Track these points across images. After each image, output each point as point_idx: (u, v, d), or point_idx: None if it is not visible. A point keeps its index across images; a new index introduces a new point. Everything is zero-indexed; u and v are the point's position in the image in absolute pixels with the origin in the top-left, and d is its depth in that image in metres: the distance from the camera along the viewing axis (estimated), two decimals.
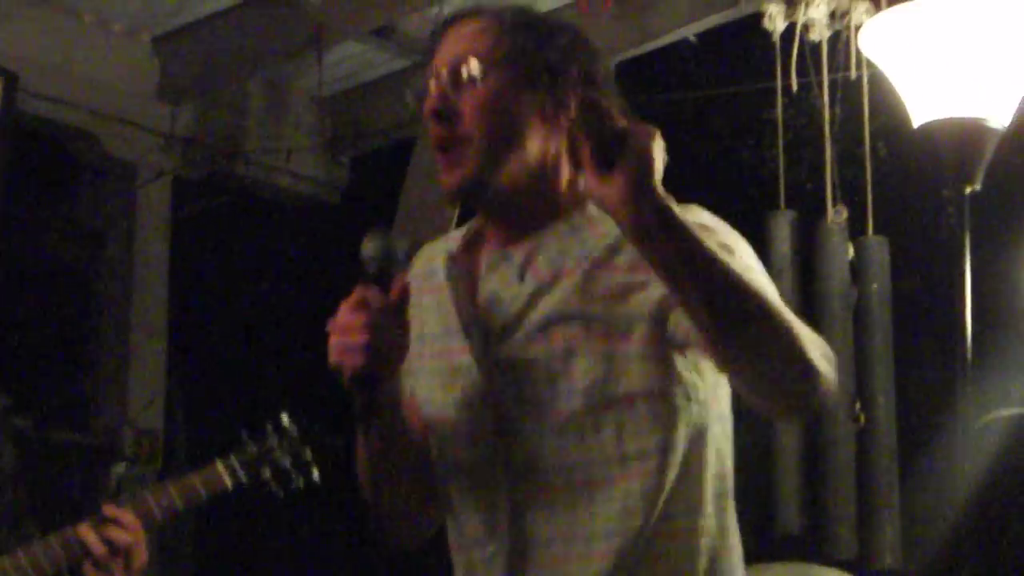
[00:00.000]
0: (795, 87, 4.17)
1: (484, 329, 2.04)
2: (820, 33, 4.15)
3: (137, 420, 5.06)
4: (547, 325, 1.99)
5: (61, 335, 5.32)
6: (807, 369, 1.81)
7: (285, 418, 2.97)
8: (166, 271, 5.27)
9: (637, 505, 1.94)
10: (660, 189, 1.74)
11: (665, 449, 1.95)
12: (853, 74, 4.11)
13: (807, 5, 4.13)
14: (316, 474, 2.96)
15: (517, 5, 2.11)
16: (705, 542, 1.98)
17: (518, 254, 2.05)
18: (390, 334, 1.89)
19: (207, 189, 5.57)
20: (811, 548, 3.99)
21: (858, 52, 4.04)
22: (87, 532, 2.75)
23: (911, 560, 4.01)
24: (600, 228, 2.01)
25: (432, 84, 2.03)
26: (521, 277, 2.03)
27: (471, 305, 2.06)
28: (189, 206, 5.58)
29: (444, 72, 2.02)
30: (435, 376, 2.07)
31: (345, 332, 1.88)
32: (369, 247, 1.93)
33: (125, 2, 5.02)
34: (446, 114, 2.01)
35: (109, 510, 2.77)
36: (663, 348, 1.95)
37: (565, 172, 2.07)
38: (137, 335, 5.17)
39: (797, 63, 4.19)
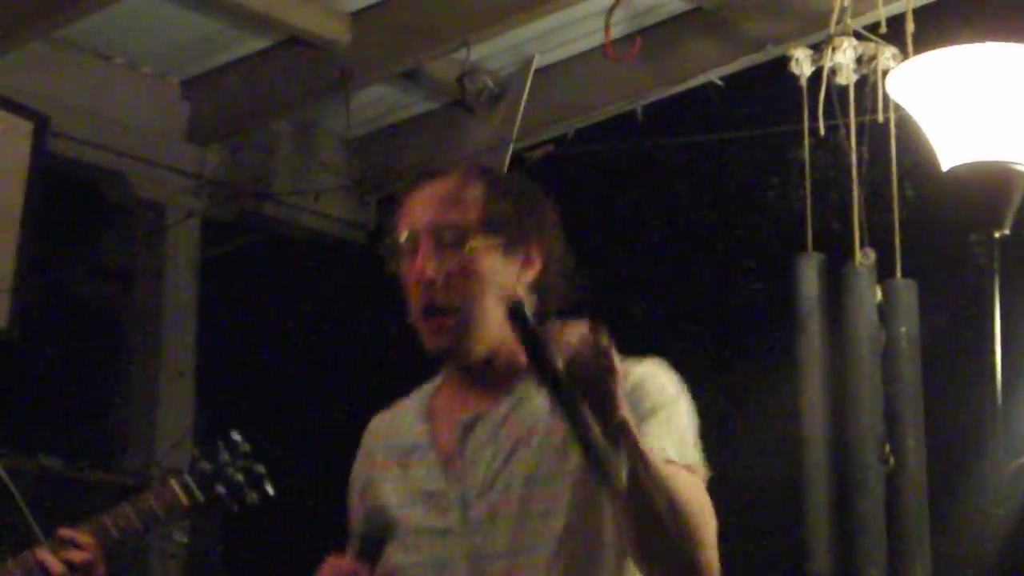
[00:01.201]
0: (822, 130, 4.19)
1: (461, 492, 2.10)
2: (847, 77, 4.17)
3: (165, 459, 5.07)
4: (526, 483, 2.06)
5: (90, 374, 5.35)
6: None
7: (236, 435, 3.02)
8: (194, 311, 5.30)
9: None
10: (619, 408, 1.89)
11: None
12: (880, 118, 4.12)
13: (833, 50, 4.15)
14: (270, 488, 3.00)
15: (480, 166, 2.25)
16: None
17: (492, 415, 2.12)
18: None
19: (235, 230, 5.61)
20: None
21: (885, 96, 4.07)
22: (45, 555, 2.83)
23: None
24: None
25: (415, 249, 2.11)
26: (496, 438, 2.10)
27: (445, 469, 2.13)
28: (217, 247, 5.61)
29: (427, 238, 2.09)
30: (414, 535, 2.12)
31: None
32: (365, 527, 2.08)
33: (154, 45, 5.07)
34: (435, 282, 2.09)
35: (65, 532, 2.85)
36: None
37: None
38: (166, 374, 5.19)
39: (824, 106, 4.21)
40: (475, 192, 2.13)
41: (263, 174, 5.48)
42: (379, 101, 5.39)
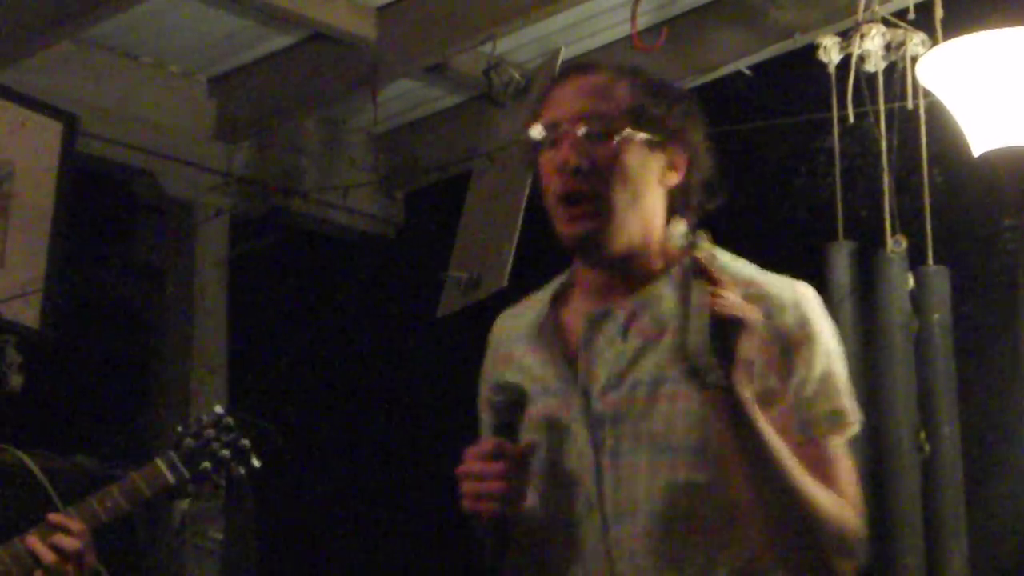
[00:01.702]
0: (851, 118, 4.18)
1: (584, 386, 2.06)
2: (876, 64, 4.15)
3: None
4: (651, 383, 2.02)
5: (122, 372, 5.37)
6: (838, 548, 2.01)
7: (219, 409, 3.05)
8: (225, 308, 5.32)
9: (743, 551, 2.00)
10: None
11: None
12: (910, 104, 4.11)
13: (862, 37, 4.14)
14: (256, 461, 3.00)
15: (629, 64, 2.17)
16: None
17: (621, 312, 2.08)
18: (519, 481, 2.00)
19: (264, 227, 5.62)
20: None
21: (914, 82, 4.05)
22: (35, 542, 2.82)
23: None
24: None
25: (560, 138, 2.07)
26: (624, 335, 2.06)
27: (569, 363, 2.10)
28: (247, 243, 5.62)
29: (574, 127, 2.06)
30: (537, 432, 2.10)
31: (479, 480, 1.99)
32: (498, 398, 2.06)
33: (181, 44, 5.09)
34: (582, 169, 2.05)
35: (54, 518, 2.85)
36: None
37: (660, 228, 2.10)
38: (198, 371, 5.21)
39: (852, 93, 4.20)
40: (624, 86, 2.10)
41: (291, 171, 5.50)
42: (406, 96, 5.39)
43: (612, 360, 2.06)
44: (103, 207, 5.36)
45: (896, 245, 4.08)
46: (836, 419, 2.07)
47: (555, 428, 2.08)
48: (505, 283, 4.60)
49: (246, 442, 3.01)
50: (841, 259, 4.14)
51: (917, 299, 4.04)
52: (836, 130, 4.23)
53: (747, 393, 1.92)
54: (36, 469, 4.00)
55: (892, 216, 4.13)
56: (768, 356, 2.01)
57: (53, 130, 4.82)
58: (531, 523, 2.08)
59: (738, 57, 4.71)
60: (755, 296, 2.04)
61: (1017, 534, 3.90)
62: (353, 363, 5.67)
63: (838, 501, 2.02)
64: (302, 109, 5.29)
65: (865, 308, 4.09)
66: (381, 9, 4.85)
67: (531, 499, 2.07)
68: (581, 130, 2.06)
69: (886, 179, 4.14)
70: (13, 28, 4.69)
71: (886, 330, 4.02)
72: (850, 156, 4.45)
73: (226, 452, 2.98)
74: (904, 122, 4.20)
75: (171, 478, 2.93)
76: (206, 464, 2.95)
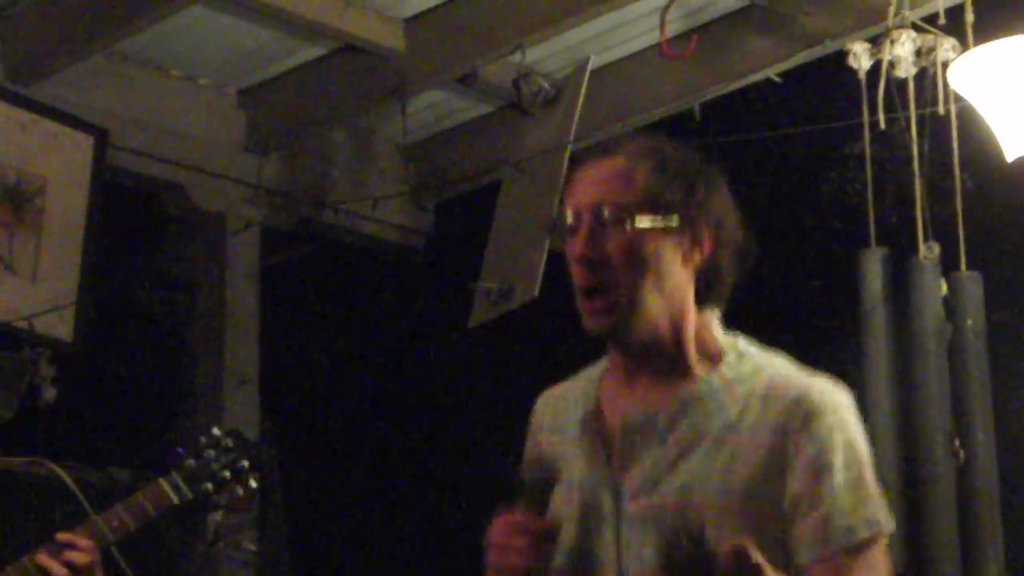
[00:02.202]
0: (883, 124, 4.16)
1: (618, 486, 2.08)
2: (906, 70, 4.14)
3: None
4: (686, 491, 2.03)
5: (154, 384, 5.38)
6: None
7: (217, 431, 3.11)
8: (256, 320, 5.33)
9: None
10: None
11: None
12: (941, 109, 4.09)
13: (892, 43, 4.12)
14: (253, 482, 3.09)
15: (651, 142, 2.14)
16: None
17: (661, 416, 2.07)
18: (541, 559, 2.02)
19: (295, 238, 5.64)
20: None
21: (945, 87, 4.03)
22: (46, 559, 2.89)
23: None
24: (736, 391, 2.06)
25: (577, 227, 2.07)
26: (663, 441, 2.07)
27: (608, 458, 2.11)
28: (278, 255, 5.64)
29: (589, 216, 2.06)
30: (569, 518, 2.12)
31: (504, 553, 2.02)
32: (528, 476, 2.09)
33: (211, 57, 5.11)
34: (594, 261, 2.05)
35: (63, 536, 2.92)
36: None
37: (692, 310, 2.10)
38: (229, 383, 5.23)
39: (883, 99, 4.18)
40: (641, 170, 2.08)
41: (321, 182, 5.51)
42: (435, 106, 5.40)
43: (650, 466, 2.07)
44: (134, 220, 5.38)
45: (928, 251, 4.06)
46: (870, 527, 2.05)
47: (586, 517, 2.10)
48: (536, 293, 4.60)
49: (245, 463, 3.09)
50: (873, 266, 4.12)
51: (950, 305, 4.02)
52: (867, 136, 4.21)
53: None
54: (70, 480, 4.03)
55: (924, 222, 4.11)
56: (800, 463, 2.00)
57: (84, 144, 4.85)
58: None
59: (768, 64, 4.69)
60: (784, 397, 2.03)
61: None
62: (384, 374, 5.67)
63: None
64: (331, 120, 5.30)
65: (898, 315, 4.07)
66: (409, 20, 4.86)
67: None
68: (592, 220, 2.06)
69: (918, 185, 4.12)
70: (44, 43, 4.73)
71: (919, 337, 4.00)
72: (881, 162, 4.44)
73: (226, 473, 3.06)
74: (935, 127, 4.18)
75: (174, 498, 3.03)
76: (207, 484, 3.05)
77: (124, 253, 5.35)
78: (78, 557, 2.87)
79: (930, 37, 4.13)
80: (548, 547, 2.03)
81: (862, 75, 4.21)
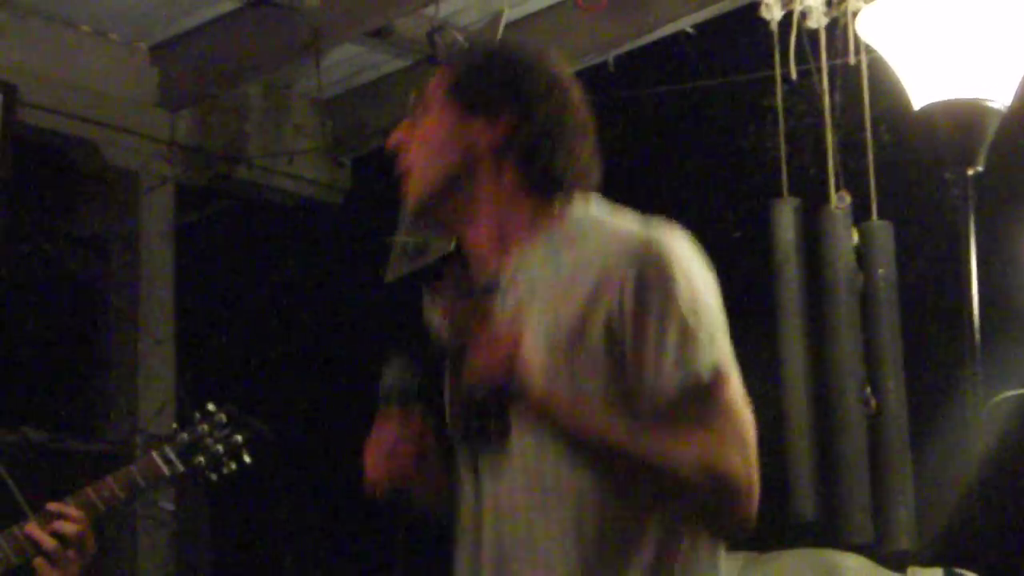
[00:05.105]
0: (794, 75, 4.17)
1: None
2: (817, 20, 4.15)
3: (148, 427, 5.07)
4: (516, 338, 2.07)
5: (69, 345, 5.33)
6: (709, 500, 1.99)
7: (212, 406, 3.11)
8: (172, 277, 5.27)
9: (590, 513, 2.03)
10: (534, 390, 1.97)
11: None
12: (852, 60, 4.11)
13: None
14: (247, 458, 3.09)
15: (489, 47, 2.35)
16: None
17: (503, 279, 2.15)
18: (411, 456, 2.15)
19: (210, 195, 5.58)
20: (826, 533, 4.00)
21: (857, 37, 4.05)
22: (35, 530, 2.88)
23: (926, 542, 4.02)
24: (574, 245, 2.11)
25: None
26: (504, 301, 2.13)
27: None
28: (192, 212, 5.58)
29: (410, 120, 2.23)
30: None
31: (375, 457, 2.17)
32: (387, 381, 2.18)
33: (122, 11, 5.02)
34: (396, 152, 2.23)
35: (53, 506, 2.90)
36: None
37: (506, 186, 2.17)
38: (145, 342, 5.18)
39: (795, 50, 4.19)
40: (451, 71, 2.21)
41: (236, 138, 5.45)
42: (350, 61, 5.35)
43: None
44: (46, 178, 5.30)
45: (840, 201, 4.09)
46: (714, 370, 2.02)
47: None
48: (452, 247, 4.57)
49: (239, 438, 3.08)
50: (786, 215, 4.15)
51: (862, 254, 4.05)
52: (780, 88, 4.22)
53: (543, 396, 1.98)
54: None
55: (836, 172, 4.13)
56: (639, 309, 2.01)
57: None
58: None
59: (681, 16, 4.68)
60: (625, 247, 2.05)
61: (962, 487, 3.92)
62: (300, 330, 5.64)
63: (710, 453, 1.97)
64: (245, 75, 5.24)
65: (810, 264, 4.10)
66: None
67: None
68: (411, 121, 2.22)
69: (829, 135, 4.15)
70: None
71: (831, 286, 4.04)
72: (796, 114, 4.46)
73: (219, 447, 3.05)
74: (848, 79, 4.20)
75: (166, 470, 3.01)
76: (200, 458, 3.03)
77: (36, 211, 5.27)
78: (68, 527, 2.87)
79: None
80: (415, 446, 2.15)
81: (774, 26, 4.22)
